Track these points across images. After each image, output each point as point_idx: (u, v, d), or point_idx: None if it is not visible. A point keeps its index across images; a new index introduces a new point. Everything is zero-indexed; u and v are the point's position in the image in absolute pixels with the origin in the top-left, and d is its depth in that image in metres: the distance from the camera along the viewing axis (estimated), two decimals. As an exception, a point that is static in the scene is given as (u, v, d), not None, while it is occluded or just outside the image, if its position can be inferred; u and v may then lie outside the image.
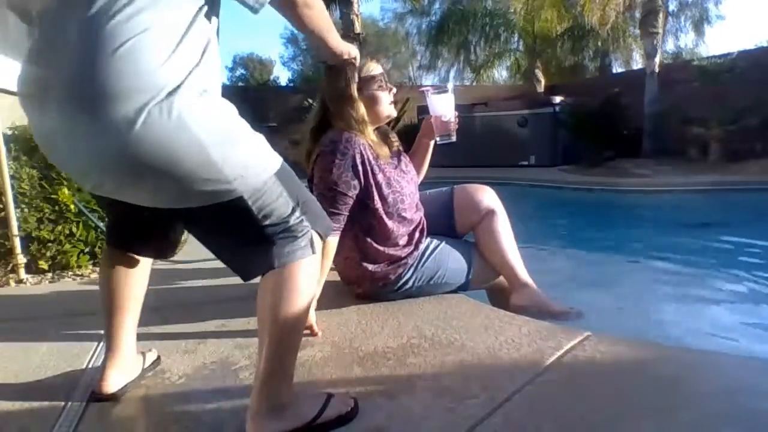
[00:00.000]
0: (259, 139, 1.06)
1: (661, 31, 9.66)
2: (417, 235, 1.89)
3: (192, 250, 2.98)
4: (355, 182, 1.72)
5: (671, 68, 9.94)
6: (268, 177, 1.03)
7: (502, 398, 1.17)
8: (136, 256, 1.28)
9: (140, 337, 1.67)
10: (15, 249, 2.39)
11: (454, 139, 1.89)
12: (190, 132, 0.91)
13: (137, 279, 1.29)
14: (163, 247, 1.32)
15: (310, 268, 1.09)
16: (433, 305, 1.84)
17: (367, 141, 1.75)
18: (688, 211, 5.36)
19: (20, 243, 2.41)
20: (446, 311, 1.77)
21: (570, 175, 7.84)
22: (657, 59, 9.20)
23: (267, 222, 1.04)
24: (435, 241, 1.93)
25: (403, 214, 1.84)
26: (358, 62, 1.60)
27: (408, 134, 11.04)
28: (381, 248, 1.82)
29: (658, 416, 1.10)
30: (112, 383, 1.26)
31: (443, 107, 1.89)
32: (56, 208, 2.47)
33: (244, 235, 1.06)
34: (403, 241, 1.86)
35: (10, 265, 2.43)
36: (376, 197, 1.78)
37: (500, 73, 17.49)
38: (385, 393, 1.24)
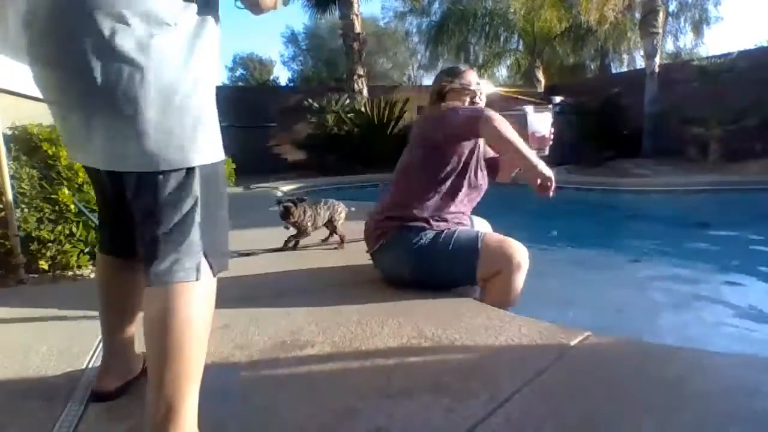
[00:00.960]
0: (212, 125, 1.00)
1: (661, 31, 9.66)
2: (453, 218, 2.05)
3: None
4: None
5: (671, 68, 9.95)
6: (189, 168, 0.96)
7: (502, 398, 1.17)
8: (124, 264, 1.24)
9: (142, 336, 1.67)
10: (15, 249, 2.39)
11: (546, 153, 2.03)
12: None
13: (133, 279, 1.23)
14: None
15: (197, 298, 0.98)
16: (433, 305, 1.84)
17: None
18: (688, 211, 5.36)
19: (20, 243, 2.41)
20: (446, 311, 1.77)
21: (570, 175, 7.84)
22: (657, 59, 9.21)
23: (161, 216, 0.95)
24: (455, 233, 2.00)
25: (461, 194, 2.05)
26: None
27: (408, 134, 10.98)
28: (430, 198, 2.01)
29: (658, 416, 1.10)
30: (110, 382, 1.26)
31: (539, 124, 2.05)
32: (56, 208, 2.47)
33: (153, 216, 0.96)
34: (448, 209, 2.03)
35: (10, 265, 2.43)
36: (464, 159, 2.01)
37: (500, 73, 17.50)
38: (385, 393, 1.24)
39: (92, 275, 2.52)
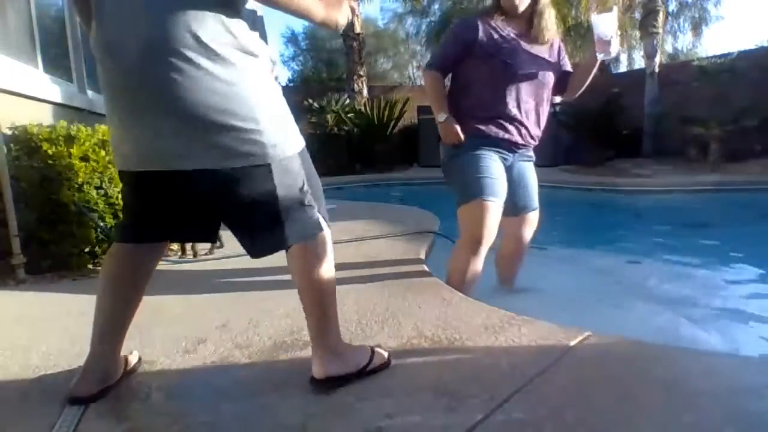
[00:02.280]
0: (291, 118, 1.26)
1: (661, 31, 9.66)
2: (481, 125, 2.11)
3: (191, 251, 2.99)
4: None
5: (671, 68, 9.94)
6: (293, 154, 1.21)
7: (502, 398, 1.17)
8: (144, 257, 1.32)
9: (141, 337, 1.67)
10: (15, 249, 2.39)
11: (613, 55, 2.05)
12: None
13: (146, 269, 1.33)
14: (207, 229, 1.33)
15: (325, 241, 1.27)
16: (433, 305, 1.84)
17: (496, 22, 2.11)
18: (688, 211, 5.36)
19: (20, 243, 2.41)
20: (446, 311, 1.77)
21: (570, 175, 7.84)
22: (657, 59, 9.20)
23: (283, 197, 1.18)
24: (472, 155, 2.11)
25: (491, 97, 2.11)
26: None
27: (408, 134, 10.98)
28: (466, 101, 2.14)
29: (658, 416, 1.10)
30: (89, 387, 1.25)
31: (604, 27, 2.02)
32: (56, 208, 2.47)
33: (262, 208, 1.18)
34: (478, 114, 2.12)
35: (10, 265, 2.42)
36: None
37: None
38: (385, 393, 1.24)
39: (92, 275, 2.52)
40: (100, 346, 1.29)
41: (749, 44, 9.16)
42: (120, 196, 2.60)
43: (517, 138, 2.14)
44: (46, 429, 1.13)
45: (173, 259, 2.79)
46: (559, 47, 2.23)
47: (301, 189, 1.23)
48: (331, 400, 1.23)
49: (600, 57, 2.09)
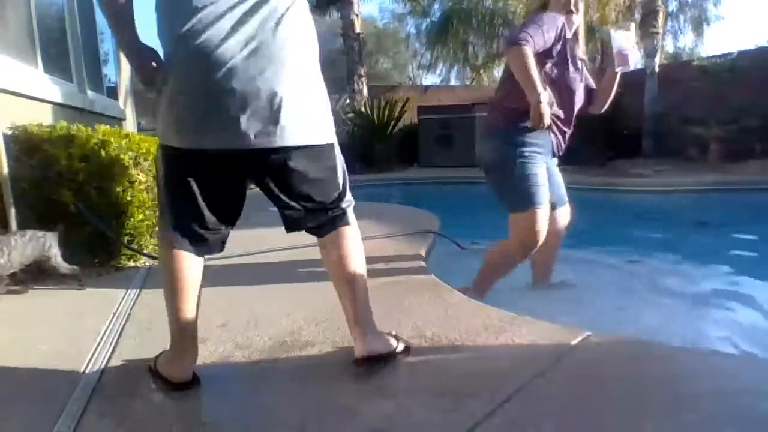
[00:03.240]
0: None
1: (661, 31, 9.66)
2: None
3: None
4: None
5: (671, 68, 9.95)
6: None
7: (502, 398, 1.17)
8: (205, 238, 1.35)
9: (141, 337, 1.67)
10: (15, 249, 2.39)
11: (631, 67, 2.14)
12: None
13: (200, 270, 1.40)
14: (236, 214, 1.40)
15: (357, 231, 1.43)
16: (433, 305, 1.84)
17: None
18: (688, 211, 5.36)
19: (20, 243, 2.40)
20: (446, 311, 1.77)
21: (570, 175, 7.81)
22: (657, 59, 9.20)
23: (341, 178, 1.42)
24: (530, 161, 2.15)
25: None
26: None
27: (408, 134, 10.97)
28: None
29: (658, 416, 1.10)
30: (190, 372, 1.34)
31: (622, 40, 2.11)
32: (56, 208, 2.47)
33: (328, 184, 1.39)
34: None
35: (10, 265, 2.42)
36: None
37: (500, 73, 17.48)
38: (385, 393, 1.24)
39: (92, 275, 2.52)
40: (189, 328, 1.37)
41: (749, 44, 9.15)
42: (119, 196, 2.61)
43: (561, 142, 2.28)
44: (46, 429, 1.13)
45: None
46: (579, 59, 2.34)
47: (345, 175, 1.45)
48: (331, 400, 1.23)
49: (618, 70, 2.17)
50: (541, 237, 2.15)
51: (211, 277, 2.36)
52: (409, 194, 6.95)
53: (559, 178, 2.44)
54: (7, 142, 2.43)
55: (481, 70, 15.86)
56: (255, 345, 1.57)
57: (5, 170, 2.35)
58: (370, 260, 2.55)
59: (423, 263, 2.48)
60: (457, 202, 6.33)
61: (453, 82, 15.95)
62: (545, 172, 2.21)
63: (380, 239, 3.00)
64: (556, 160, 2.41)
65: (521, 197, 2.14)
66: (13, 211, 2.36)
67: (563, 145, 2.31)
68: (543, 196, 2.15)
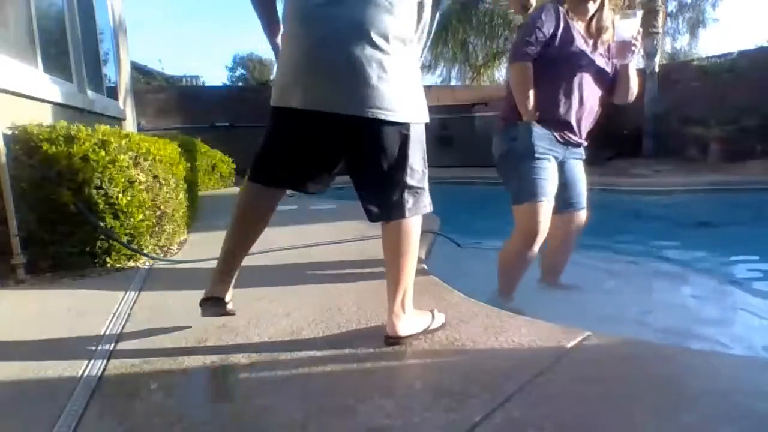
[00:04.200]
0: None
1: (661, 31, 9.66)
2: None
3: (192, 251, 2.99)
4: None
5: (671, 68, 9.95)
6: (419, 126, 1.46)
7: (502, 398, 1.17)
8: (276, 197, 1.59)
9: (141, 336, 1.67)
10: (15, 249, 2.39)
11: (628, 60, 2.14)
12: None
13: (269, 205, 1.58)
14: (324, 180, 1.60)
15: (419, 223, 1.52)
16: (433, 305, 1.84)
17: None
18: (688, 211, 5.36)
19: (20, 243, 2.41)
20: (446, 311, 1.77)
21: (570, 175, 7.84)
22: (657, 59, 9.20)
23: (411, 166, 1.45)
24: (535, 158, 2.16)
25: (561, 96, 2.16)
26: None
27: (408, 134, 10.87)
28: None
29: (658, 416, 1.10)
30: (222, 292, 1.58)
31: (624, 30, 2.10)
32: (56, 208, 2.47)
33: (396, 170, 1.44)
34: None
35: (10, 265, 2.42)
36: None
37: (500, 73, 17.46)
38: (385, 393, 1.24)
39: (92, 275, 2.52)
40: (231, 264, 1.58)
41: (749, 44, 9.15)
42: (119, 196, 2.61)
43: (571, 136, 2.24)
44: (46, 429, 1.13)
45: (173, 259, 2.79)
46: (609, 47, 2.27)
47: (422, 162, 1.49)
48: (331, 400, 1.23)
49: (617, 62, 2.16)
50: (542, 229, 2.16)
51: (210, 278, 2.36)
52: (409, 194, 6.93)
53: (579, 179, 2.39)
54: (7, 142, 2.43)
55: (481, 70, 15.87)
56: (255, 345, 1.57)
57: (5, 170, 2.35)
58: (370, 261, 2.56)
59: (423, 263, 2.48)
60: (457, 202, 6.33)
61: (453, 82, 15.95)
62: (552, 167, 2.20)
63: (380, 239, 2.99)
64: (579, 160, 2.38)
65: (522, 189, 2.17)
66: (13, 211, 2.36)
67: (583, 137, 2.29)
68: (544, 189, 2.15)
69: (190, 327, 1.73)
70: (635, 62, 2.21)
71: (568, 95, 2.17)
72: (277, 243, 2.81)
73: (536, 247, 2.21)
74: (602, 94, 2.27)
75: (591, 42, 2.19)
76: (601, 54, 2.22)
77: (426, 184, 1.51)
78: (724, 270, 3.18)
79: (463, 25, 14.02)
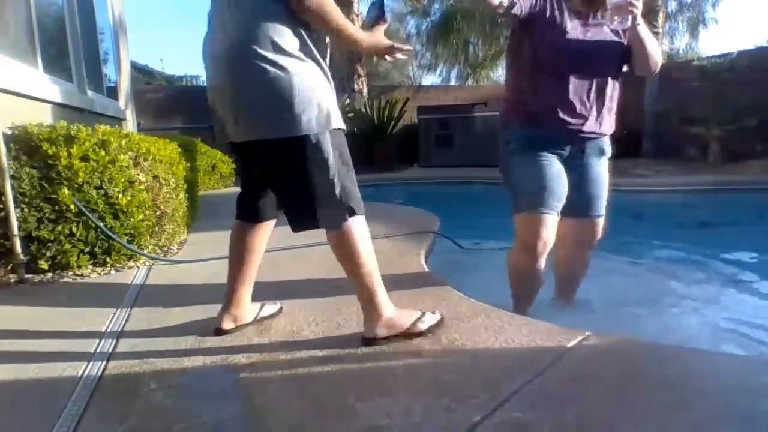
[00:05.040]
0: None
1: (661, 31, 9.65)
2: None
3: (192, 250, 2.99)
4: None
5: (671, 68, 9.94)
6: (321, 136, 1.42)
7: (502, 398, 1.17)
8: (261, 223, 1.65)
9: (142, 337, 1.67)
10: (15, 249, 2.39)
11: (627, 24, 1.86)
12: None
13: (255, 239, 1.65)
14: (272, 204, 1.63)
15: (358, 228, 1.47)
16: (432, 305, 1.84)
17: None
18: (688, 211, 5.36)
19: (20, 243, 2.41)
20: (446, 311, 1.77)
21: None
22: (657, 59, 9.18)
23: (318, 176, 1.41)
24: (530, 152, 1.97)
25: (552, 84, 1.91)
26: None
27: (408, 134, 10.94)
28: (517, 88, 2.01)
29: (658, 416, 1.10)
30: (227, 323, 1.64)
31: None
32: (56, 208, 2.46)
33: (301, 181, 1.42)
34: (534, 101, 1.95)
35: (10, 265, 2.42)
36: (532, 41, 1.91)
37: (500, 73, 17.47)
38: (385, 392, 1.24)
39: (92, 275, 2.52)
40: (235, 293, 1.66)
41: (749, 44, 9.15)
42: (119, 196, 2.62)
43: (580, 128, 1.94)
44: (46, 429, 1.13)
45: (173, 259, 2.79)
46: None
47: (332, 170, 1.44)
48: (331, 400, 1.23)
49: (615, 25, 1.89)
50: (542, 242, 1.94)
51: (211, 278, 2.37)
52: (409, 194, 6.95)
53: (595, 181, 2.06)
54: (7, 142, 2.43)
55: (481, 70, 15.86)
56: (255, 345, 1.57)
57: (5, 170, 2.35)
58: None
59: (423, 263, 2.48)
60: (457, 202, 6.34)
61: (453, 82, 15.96)
62: (555, 167, 1.95)
63: (380, 239, 3.00)
64: (598, 157, 2.06)
65: (519, 198, 1.99)
66: (13, 211, 2.36)
67: (598, 126, 1.97)
68: (543, 199, 1.91)
69: (190, 327, 1.73)
70: (644, 25, 1.89)
71: (565, 83, 1.89)
72: (275, 243, 2.81)
73: (540, 261, 2.00)
74: (615, 72, 1.96)
75: (586, 15, 1.92)
76: (601, 26, 1.93)
77: (341, 193, 1.44)
78: (724, 270, 3.18)
79: (464, 25, 14.02)
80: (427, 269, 2.37)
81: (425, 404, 1.19)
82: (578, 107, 1.92)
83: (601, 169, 2.08)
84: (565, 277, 2.29)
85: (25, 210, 2.43)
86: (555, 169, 1.96)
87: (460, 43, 14.68)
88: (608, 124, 2.00)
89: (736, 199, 5.65)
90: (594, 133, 1.98)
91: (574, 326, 1.57)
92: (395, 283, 2.13)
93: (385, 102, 9.48)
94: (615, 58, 1.96)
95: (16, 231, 2.38)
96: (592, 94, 1.93)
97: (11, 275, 2.43)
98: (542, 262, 2.01)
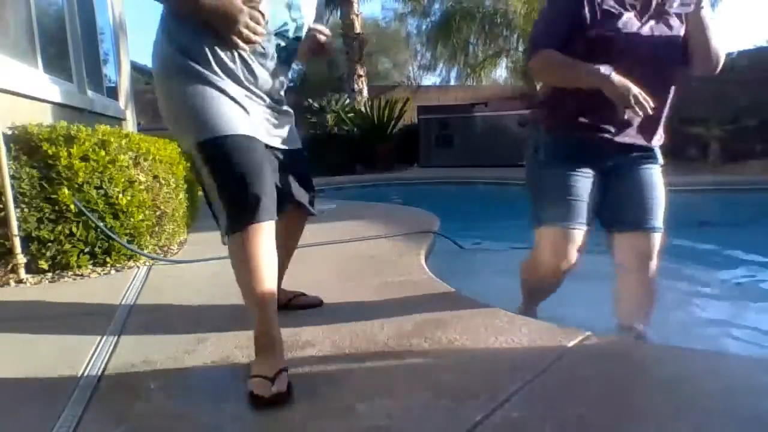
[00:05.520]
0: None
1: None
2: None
3: (192, 250, 2.99)
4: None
5: (671, 68, 9.94)
6: (202, 146, 1.31)
7: (502, 398, 1.17)
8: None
9: (142, 337, 1.67)
10: (15, 249, 2.39)
11: (691, 7, 1.59)
12: None
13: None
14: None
15: (232, 246, 1.33)
16: (433, 305, 1.84)
17: None
18: (688, 211, 5.35)
19: (20, 243, 2.41)
20: (446, 311, 1.77)
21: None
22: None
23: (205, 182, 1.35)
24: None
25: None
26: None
27: (408, 134, 10.95)
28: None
29: (658, 416, 1.10)
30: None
31: None
32: (56, 208, 2.47)
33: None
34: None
35: (10, 265, 2.42)
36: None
37: (500, 73, 17.48)
38: (385, 393, 1.24)
39: (92, 275, 2.52)
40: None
41: (748, 44, 9.15)
42: (119, 196, 2.62)
43: (623, 139, 1.68)
44: (46, 429, 1.13)
45: (173, 259, 2.79)
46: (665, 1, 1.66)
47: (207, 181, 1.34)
48: (331, 400, 1.23)
49: (677, 7, 1.63)
50: (563, 260, 1.71)
51: (211, 278, 2.37)
52: (409, 194, 6.95)
53: (639, 189, 1.77)
54: (7, 142, 2.43)
55: (481, 70, 15.85)
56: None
57: (5, 170, 2.35)
58: (370, 260, 2.55)
59: (423, 263, 2.48)
60: (457, 202, 6.33)
61: (453, 82, 15.96)
62: (588, 181, 1.72)
63: (380, 239, 3.00)
64: (646, 167, 1.78)
65: (541, 209, 1.77)
66: (13, 211, 2.36)
67: (647, 135, 1.71)
68: (568, 212, 1.69)
69: (190, 327, 1.73)
70: (708, 9, 1.60)
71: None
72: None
73: (561, 279, 1.82)
74: (670, 74, 1.70)
75: (639, 6, 1.61)
76: (660, 17, 1.64)
77: (218, 209, 1.34)
78: (723, 270, 3.18)
79: (464, 25, 14.01)
80: (427, 269, 2.37)
81: (425, 404, 1.19)
82: (627, 113, 1.62)
83: (647, 178, 1.78)
84: (630, 304, 1.87)
85: (25, 210, 2.43)
86: (584, 185, 1.72)
87: (460, 42, 14.66)
88: (658, 135, 1.75)
89: (736, 199, 5.65)
90: (641, 143, 1.71)
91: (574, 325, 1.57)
92: (395, 283, 2.13)
93: (385, 102, 9.48)
94: (676, 54, 1.67)
95: (16, 231, 2.38)
96: (650, 94, 1.58)
97: (11, 275, 2.43)
98: (559, 280, 1.82)
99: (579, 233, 1.72)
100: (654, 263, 1.77)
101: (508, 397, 1.18)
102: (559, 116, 1.73)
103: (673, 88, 1.72)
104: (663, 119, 1.73)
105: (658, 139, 1.76)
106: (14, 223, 2.37)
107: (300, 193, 1.61)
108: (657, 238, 1.77)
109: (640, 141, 1.71)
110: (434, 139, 9.17)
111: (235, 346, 1.56)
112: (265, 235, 1.31)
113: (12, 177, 2.38)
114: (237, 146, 1.29)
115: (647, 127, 1.68)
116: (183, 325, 1.76)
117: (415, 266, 2.41)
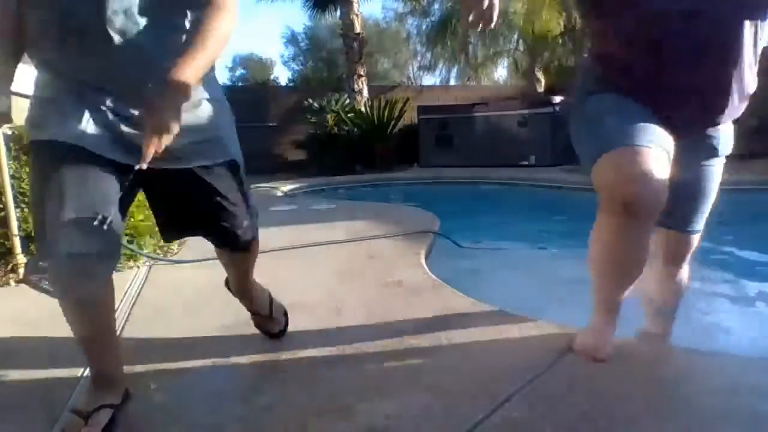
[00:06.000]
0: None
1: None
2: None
3: (192, 251, 2.99)
4: None
5: (671, 68, 9.94)
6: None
7: (502, 398, 1.17)
8: None
9: (141, 337, 1.67)
10: (15, 249, 2.39)
11: None
12: None
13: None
14: None
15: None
16: (432, 305, 1.84)
17: None
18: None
19: (20, 243, 2.41)
20: (446, 311, 1.77)
21: (570, 175, 7.83)
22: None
23: None
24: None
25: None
26: None
27: (408, 134, 10.94)
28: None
29: (658, 416, 1.10)
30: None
31: None
32: (56, 208, 2.46)
33: None
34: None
35: (10, 265, 2.42)
36: None
37: (500, 73, 17.50)
38: (385, 393, 1.24)
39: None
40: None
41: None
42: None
43: (678, 116, 1.28)
44: (46, 429, 1.13)
45: (173, 259, 2.79)
46: None
47: None
48: (331, 400, 1.23)
49: None
50: (637, 184, 1.18)
51: (210, 278, 2.36)
52: (409, 194, 6.95)
53: (695, 185, 1.46)
54: (7, 142, 2.43)
55: (481, 70, 15.86)
56: (255, 345, 1.57)
57: (5, 170, 2.35)
58: (370, 260, 2.55)
59: (423, 263, 2.48)
60: (457, 202, 6.33)
61: (453, 82, 15.97)
62: (640, 111, 1.28)
63: (380, 239, 3.00)
64: (708, 164, 1.44)
65: (595, 139, 1.32)
66: (13, 211, 2.36)
67: (711, 114, 1.29)
68: (643, 133, 1.23)
69: (190, 327, 1.73)
70: None
71: (665, 45, 1.20)
72: (276, 242, 2.80)
73: (644, 222, 1.26)
74: (740, 43, 1.19)
75: None
76: None
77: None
78: (724, 269, 3.17)
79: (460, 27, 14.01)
80: (426, 269, 2.37)
81: (425, 404, 1.19)
82: (686, 81, 1.22)
83: (704, 173, 1.45)
84: (653, 307, 1.74)
85: (25, 210, 2.43)
86: (639, 110, 1.29)
87: (460, 42, 14.66)
88: (731, 108, 1.27)
89: (737, 199, 5.63)
90: (704, 123, 1.32)
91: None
92: (395, 283, 2.13)
93: (385, 102, 9.48)
94: (746, 19, 1.18)
95: (16, 231, 2.38)
96: (709, 72, 1.21)
97: (11, 275, 2.42)
98: (648, 226, 1.29)
99: (654, 152, 1.21)
100: (684, 261, 1.63)
101: (508, 397, 1.18)
102: (610, 66, 1.37)
103: (745, 57, 1.21)
104: (744, 86, 1.25)
105: (730, 114, 1.30)
106: (14, 223, 2.37)
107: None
108: (696, 240, 1.62)
109: (698, 118, 1.32)
110: (434, 139, 9.17)
111: (235, 346, 1.56)
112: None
113: (12, 177, 2.38)
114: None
115: (711, 101, 1.26)
116: (183, 325, 1.76)
117: (415, 266, 2.41)
